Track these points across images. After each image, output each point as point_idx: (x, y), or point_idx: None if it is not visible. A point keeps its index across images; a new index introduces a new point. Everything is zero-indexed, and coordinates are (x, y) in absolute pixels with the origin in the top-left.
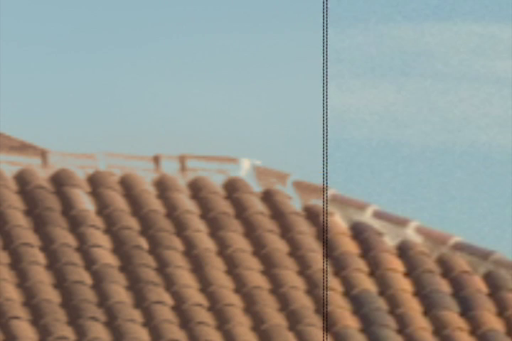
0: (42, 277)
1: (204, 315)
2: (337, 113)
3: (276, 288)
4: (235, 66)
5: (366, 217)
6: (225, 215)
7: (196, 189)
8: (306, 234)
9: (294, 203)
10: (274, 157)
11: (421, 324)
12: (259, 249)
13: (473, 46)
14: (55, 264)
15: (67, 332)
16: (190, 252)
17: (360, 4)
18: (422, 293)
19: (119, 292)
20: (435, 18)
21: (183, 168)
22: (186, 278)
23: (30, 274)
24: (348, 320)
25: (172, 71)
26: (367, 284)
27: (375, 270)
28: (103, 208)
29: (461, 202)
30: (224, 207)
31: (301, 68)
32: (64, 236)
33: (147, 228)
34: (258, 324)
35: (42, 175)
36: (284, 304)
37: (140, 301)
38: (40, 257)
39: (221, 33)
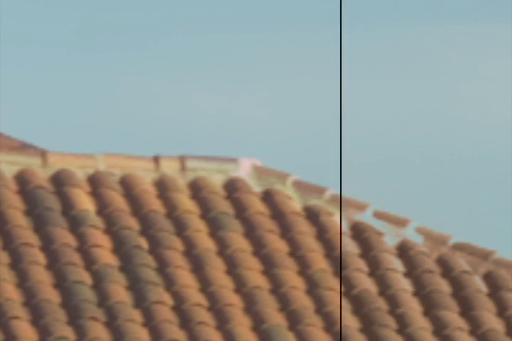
0: (42, 277)
1: (204, 315)
2: (334, 113)
3: (276, 288)
4: (235, 66)
5: (366, 217)
6: (225, 215)
7: (196, 189)
8: (306, 234)
9: (294, 203)
10: (274, 157)
11: (421, 324)
12: (259, 249)
13: (473, 46)
14: (55, 264)
15: (67, 332)
16: (190, 252)
17: (360, 4)
18: (422, 293)
19: (119, 292)
20: (435, 18)
21: (183, 168)
22: (186, 278)
23: (30, 274)
24: (347, 319)
25: (172, 71)
26: (367, 284)
27: (375, 270)
28: (103, 208)
29: (461, 202)
30: (224, 207)
31: (301, 68)
32: (64, 236)
33: (147, 228)
34: (258, 324)
35: (42, 175)
36: (284, 304)
37: (140, 301)
38: (40, 257)
39: (221, 33)
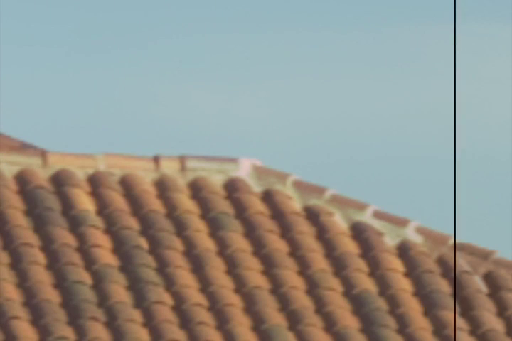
0: (42, 277)
1: (204, 315)
2: (334, 113)
3: (276, 288)
4: (235, 66)
5: (366, 217)
6: (225, 215)
7: (196, 189)
8: (306, 234)
9: (294, 203)
10: (274, 157)
11: (421, 324)
12: (259, 249)
13: (473, 46)
14: (55, 264)
15: (67, 332)
16: (190, 252)
17: (359, 5)
18: (422, 293)
19: (119, 292)
20: (435, 18)
21: (183, 168)
22: (186, 278)
23: (30, 274)
24: (348, 320)
25: (172, 71)
26: (367, 284)
27: (375, 270)
28: (103, 208)
29: (461, 202)
30: (224, 207)
31: (301, 68)
32: (64, 236)
33: (147, 228)
34: (258, 324)
35: (42, 175)
36: (284, 304)
37: (140, 301)
38: (40, 257)
39: (221, 33)
